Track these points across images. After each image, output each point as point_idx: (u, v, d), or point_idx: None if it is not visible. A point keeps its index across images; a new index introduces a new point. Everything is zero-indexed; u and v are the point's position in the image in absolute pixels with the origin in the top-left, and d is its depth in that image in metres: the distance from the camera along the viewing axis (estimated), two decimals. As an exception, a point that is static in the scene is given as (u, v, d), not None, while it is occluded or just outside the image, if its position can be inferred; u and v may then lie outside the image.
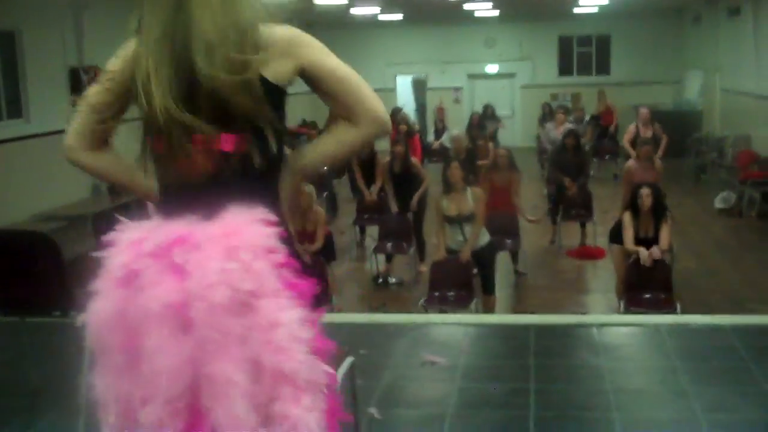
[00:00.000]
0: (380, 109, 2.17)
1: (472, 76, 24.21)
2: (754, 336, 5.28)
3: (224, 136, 2.01)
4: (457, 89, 24.12)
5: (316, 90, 2.19)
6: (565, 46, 23.69)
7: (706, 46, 19.91)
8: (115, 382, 1.90)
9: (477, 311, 7.89)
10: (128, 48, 2.10)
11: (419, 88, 25.41)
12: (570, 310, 9.12)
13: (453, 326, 5.62)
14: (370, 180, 11.59)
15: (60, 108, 12.12)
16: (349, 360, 3.14)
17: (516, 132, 22.68)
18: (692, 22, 21.60)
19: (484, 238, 8.39)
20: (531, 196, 14.26)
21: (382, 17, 21.35)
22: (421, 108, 25.43)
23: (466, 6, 18.79)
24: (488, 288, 8.38)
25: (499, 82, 23.98)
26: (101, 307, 1.90)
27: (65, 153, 2.25)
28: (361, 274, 10.86)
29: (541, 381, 4.63)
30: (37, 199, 11.28)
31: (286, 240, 1.94)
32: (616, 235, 8.38)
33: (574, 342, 5.26)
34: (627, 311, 7.60)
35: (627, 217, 8.16)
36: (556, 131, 14.50)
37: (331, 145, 2.24)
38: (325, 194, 14.31)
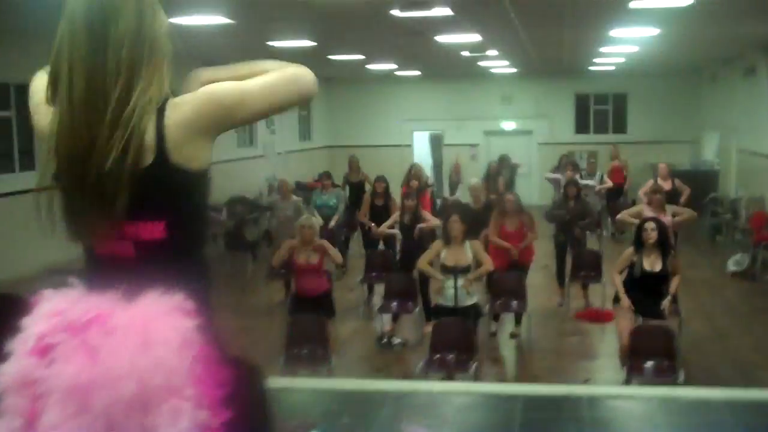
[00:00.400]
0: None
1: (489, 133, 24.26)
2: (748, 413, 5.16)
3: (142, 224, 2.00)
4: (473, 146, 24.16)
5: None
6: (581, 104, 23.76)
7: (722, 106, 19.87)
8: None
9: (477, 375, 7.77)
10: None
11: (436, 144, 25.49)
12: (575, 376, 9.00)
13: (439, 395, 5.53)
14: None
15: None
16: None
17: (533, 190, 22.59)
18: (709, 82, 21.60)
19: (472, 297, 8.36)
20: (541, 256, 14.16)
21: (399, 73, 21.52)
22: (437, 164, 25.47)
23: (483, 63, 18.91)
24: None
25: (515, 139, 23.99)
26: (11, 370, 1.87)
27: None
28: (366, 334, 10.77)
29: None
30: (50, 251, 11.29)
31: (206, 328, 1.91)
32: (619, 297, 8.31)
33: (562, 415, 5.16)
34: (629, 379, 7.49)
35: (628, 251, 8.29)
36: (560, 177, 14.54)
37: (246, 69, 2.18)
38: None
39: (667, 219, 9.78)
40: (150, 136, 1.97)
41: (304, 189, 21.03)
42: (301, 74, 2.21)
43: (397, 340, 10.29)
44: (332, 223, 13.77)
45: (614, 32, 12.51)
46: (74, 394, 1.78)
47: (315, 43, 13.24)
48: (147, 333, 1.81)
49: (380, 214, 12.03)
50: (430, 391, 5.65)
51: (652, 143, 22.42)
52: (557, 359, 9.75)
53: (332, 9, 9.72)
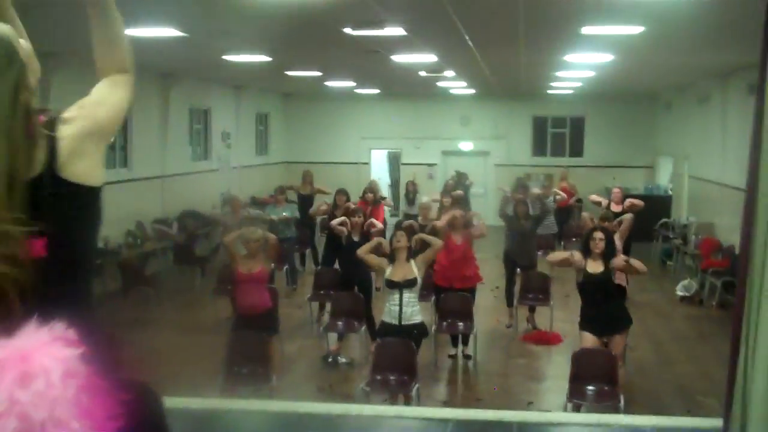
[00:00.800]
0: None
1: (447, 153, 24.32)
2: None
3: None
4: (431, 165, 24.18)
5: None
6: (539, 127, 23.90)
7: (676, 132, 20.11)
8: None
9: (418, 397, 7.72)
10: None
11: (394, 162, 25.50)
12: (519, 398, 8.98)
13: (372, 419, 5.47)
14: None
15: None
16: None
17: (489, 210, 22.58)
18: (664, 108, 21.84)
19: (417, 316, 8.28)
20: (496, 278, 14.19)
21: (358, 91, 21.51)
22: (395, 183, 25.47)
23: (442, 84, 18.95)
24: None
25: (473, 159, 24.06)
26: None
27: None
28: (313, 352, 10.67)
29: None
30: None
31: (92, 357, 1.81)
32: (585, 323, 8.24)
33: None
34: (570, 402, 7.47)
35: (576, 254, 8.32)
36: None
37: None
38: (285, 267, 14.21)
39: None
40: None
41: (259, 204, 20.91)
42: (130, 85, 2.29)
43: (342, 359, 10.22)
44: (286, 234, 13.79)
45: (569, 57, 12.59)
46: None
47: (271, 59, 13.16)
48: (25, 366, 1.71)
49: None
50: (360, 414, 5.58)
51: (608, 167, 22.62)
52: (503, 381, 9.74)
53: (286, 25, 9.65)
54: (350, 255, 10.88)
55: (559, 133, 23.88)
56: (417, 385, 7.77)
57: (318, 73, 16.50)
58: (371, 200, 14.68)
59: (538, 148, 23.96)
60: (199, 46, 11.68)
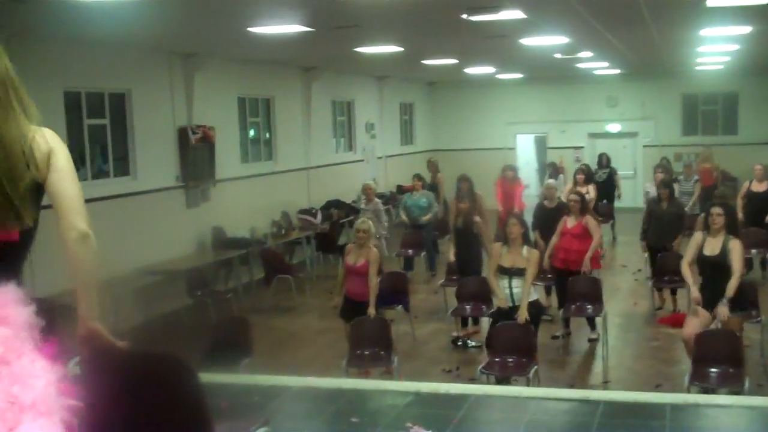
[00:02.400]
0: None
1: (593, 135, 23.92)
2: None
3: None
4: (577, 148, 23.86)
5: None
6: (689, 105, 23.14)
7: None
8: None
9: (537, 380, 7.76)
10: None
11: (540, 147, 25.30)
12: (648, 381, 8.86)
13: (443, 397, 5.64)
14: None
15: (167, 166, 12.76)
16: (263, 430, 3.23)
17: (638, 193, 22.15)
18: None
19: (531, 295, 8.41)
20: (639, 260, 13.97)
21: (500, 76, 21.47)
22: (542, 167, 25.26)
23: (584, 65, 18.69)
24: None
25: (620, 141, 23.59)
26: None
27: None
28: (444, 336, 10.81)
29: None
30: (141, 253, 11.77)
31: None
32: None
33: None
34: (692, 386, 7.33)
35: (698, 236, 8.04)
36: (653, 188, 14.20)
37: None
38: (423, 253, 14.43)
39: None
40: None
41: (404, 193, 21.23)
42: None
43: (472, 343, 10.34)
44: (423, 220, 14.01)
45: (704, 31, 12.22)
46: None
47: (402, 49, 13.38)
48: None
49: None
50: (488, 394, 5.74)
51: (764, 144, 21.64)
52: (634, 363, 9.63)
53: (408, 14, 9.83)
54: (459, 240, 11.09)
55: (711, 111, 23.03)
56: (536, 367, 7.80)
57: (454, 61, 16.60)
58: (510, 178, 14.70)
59: (689, 127, 23.19)
60: (330, 40, 12.03)
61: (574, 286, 10.09)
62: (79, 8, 7.94)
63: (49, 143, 2.72)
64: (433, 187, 16.00)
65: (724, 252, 7.84)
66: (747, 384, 7.17)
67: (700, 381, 7.38)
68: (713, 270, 7.92)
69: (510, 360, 7.88)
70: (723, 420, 5.32)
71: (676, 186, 14.37)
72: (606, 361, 9.66)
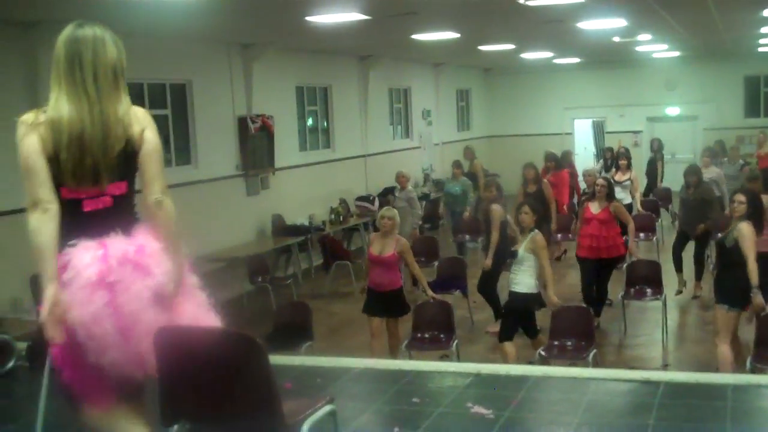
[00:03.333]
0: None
1: (652, 119, 23.64)
2: None
3: (116, 184, 3.27)
4: (636, 132, 23.62)
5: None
6: (751, 87, 22.72)
7: None
8: (112, 354, 3.06)
9: (595, 362, 7.78)
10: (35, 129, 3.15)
11: (598, 131, 25.08)
12: (709, 364, 8.80)
13: (503, 378, 5.72)
14: None
15: (228, 155, 12.96)
16: (328, 407, 3.35)
17: (698, 176, 21.86)
18: None
19: (518, 286, 8.29)
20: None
21: (557, 61, 21.33)
22: (600, 152, 25.05)
23: (642, 48, 18.50)
24: (531, 334, 8.38)
25: (680, 124, 23.30)
26: (90, 304, 3.04)
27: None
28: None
29: None
30: (203, 240, 11.97)
31: None
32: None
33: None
34: (753, 369, 7.28)
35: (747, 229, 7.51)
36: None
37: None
38: (480, 239, 14.43)
39: None
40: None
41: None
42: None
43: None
44: (467, 213, 13.96)
45: (767, 12, 12.03)
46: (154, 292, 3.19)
47: (459, 35, 13.40)
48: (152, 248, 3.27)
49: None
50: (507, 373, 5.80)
51: (828, 126, 21.21)
52: (693, 347, 9.58)
53: (463, 1, 9.88)
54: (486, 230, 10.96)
55: (774, 93, 22.61)
56: (595, 351, 7.82)
57: (511, 46, 16.56)
58: (552, 168, 14.51)
59: (751, 109, 22.77)
60: (387, 27, 12.10)
61: (633, 271, 10.07)
62: (140, 1, 8.13)
63: (142, 122, 3.35)
64: (472, 176, 15.80)
65: (733, 239, 7.52)
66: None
67: (763, 363, 7.32)
68: (724, 257, 7.74)
69: (569, 343, 7.92)
70: None
71: (718, 170, 13.95)
72: (665, 344, 9.64)
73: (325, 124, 16.51)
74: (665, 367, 8.90)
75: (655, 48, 18.73)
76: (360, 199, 16.50)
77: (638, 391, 5.61)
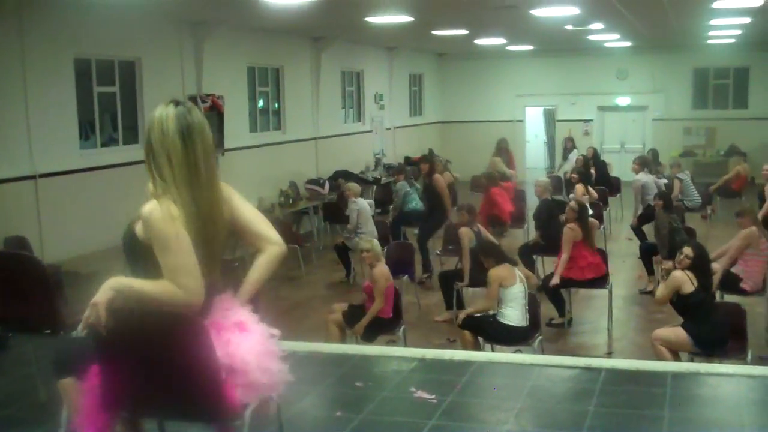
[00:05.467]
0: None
1: (603, 108, 23.84)
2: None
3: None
4: (587, 121, 23.81)
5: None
6: (700, 78, 23.01)
7: None
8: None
9: (540, 351, 7.83)
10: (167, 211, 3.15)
11: (549, 119, 25.26)
12: (651, 353, 8.89)
13: (447, 363, 5.73)
14: None
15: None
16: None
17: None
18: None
19: None
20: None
21: (511, 48, 21.37)
22: (551, 140, 25.28)
23: (594, 37, 18.60)
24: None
25: (630, 114, 23.53)
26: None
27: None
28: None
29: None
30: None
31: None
32: None
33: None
34: (692, 358, 7.38)
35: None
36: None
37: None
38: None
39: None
40: None
41: (412, 164, 21.25)
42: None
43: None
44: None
45: (717, 4, 12.14)
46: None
47: (412, 18, 13.34)
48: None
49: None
50: (494, 361, 5.80)
51: (775, 119, 21.57)
52: (638, 336, 9.67)
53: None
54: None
55: (722, 85, 22.89)
56: (540, 337, 7.88)
57: (464, 31, 16.53)
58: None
59: (699, 101, 23.07)
60: (340, 9, 12.01)
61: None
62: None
63: (224, 192, 3.35)
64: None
65: None
66: (750, 356, 7.22)
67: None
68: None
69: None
70: (723, 388, 5.38)
71: (647, 177, 14.03)
72: (610, 332, 9.73)
73: (276, 105, 16.38)
74: (609, 354, 8.98)
75: (607, 37, 18.84)
76: (310, 182, 16.41)
77: (580, 377, 5.65)
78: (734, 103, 22.78)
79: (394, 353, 6.57)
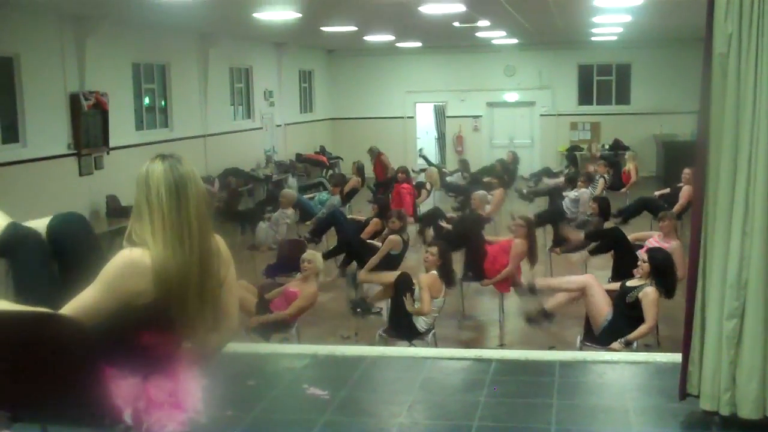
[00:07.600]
0: None
1: (492, 104, 24.20)
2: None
3: None
4: (476, 117, 24.13)
5: None
6: (585, 75, 23.58)
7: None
8: None
9: (433, 344, 7.87)
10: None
11: (439, 116, 25.50)
12: (542, 344, 9.04)
13: (340, 359, 5.71)
14: None
15: (59, 133, 12.42)
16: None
17: (534, 161, 22.60)
18: (712, 52, 21.35)
19: None
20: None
21: (400, 44, 21.47)
22: (441, 136, 25.53)
23: (483, 34, 18.83)
24: None
25: (518, 110, 23.96)
26: None
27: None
28: (345, 302, 10.80)
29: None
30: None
31: None
32: None
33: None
34: (583, 346, 7.53)
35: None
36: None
37: None
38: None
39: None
40: None
41: (304, 161, 21.15)
42: None
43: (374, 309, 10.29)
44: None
45: (598, 1, 12.45)
46: None
47: (300, 14, 13.25)
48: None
49: None
50: (388, 355, 5.78)
51: (655, 114, 22.26)
52: (530, 328, 9.80)
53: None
54: None
55: (606, 81, 23.51)
56: (433, 331, 7.93)
57: (353, 28, 16.52)
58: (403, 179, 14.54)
59: (585, 97, 23.65)
60: (227, 4, 11.85)
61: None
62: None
63: (222, 252, 3.19)
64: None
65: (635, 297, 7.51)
66: (635, 344, 7.40)
67: (591, 341, 7.59)
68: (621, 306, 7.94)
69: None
70: (609, 375, 5.51)
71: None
72: (502, 324, 9.86)
73: (163, 102, 16.06)
74: (501, 346, 9.09)
75: (494, 34, 19.11)
76: (200, 180, 16.13)
77: (472, 368, 5.70)
78: (617, 98, 23.43)
79: (286, 351, 6.52)
